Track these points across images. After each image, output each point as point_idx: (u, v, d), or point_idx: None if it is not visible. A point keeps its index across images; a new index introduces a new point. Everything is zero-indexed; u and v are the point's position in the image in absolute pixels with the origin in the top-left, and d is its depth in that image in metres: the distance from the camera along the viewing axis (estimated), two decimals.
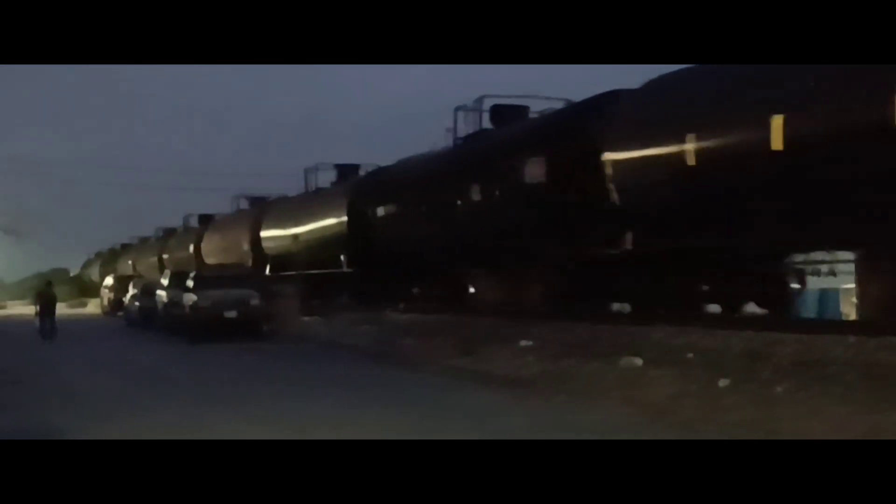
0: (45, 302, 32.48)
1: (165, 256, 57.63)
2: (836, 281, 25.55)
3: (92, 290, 64.18)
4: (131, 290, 41.63)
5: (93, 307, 58.20)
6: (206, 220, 53.62)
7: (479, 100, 26.52)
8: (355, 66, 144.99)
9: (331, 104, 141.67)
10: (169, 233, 61.67)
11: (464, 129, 26.61)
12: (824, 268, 19.19)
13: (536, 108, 25.61)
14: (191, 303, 28.67)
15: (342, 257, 32.51)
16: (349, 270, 32.33)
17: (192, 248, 51.40)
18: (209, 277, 30.47)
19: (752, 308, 18.99)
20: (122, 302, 44.98)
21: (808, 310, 27.29)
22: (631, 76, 21.02)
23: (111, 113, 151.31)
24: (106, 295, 53.68)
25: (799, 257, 18.32)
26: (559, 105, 24.48)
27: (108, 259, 75.16)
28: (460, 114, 26.55)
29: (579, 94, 23.09)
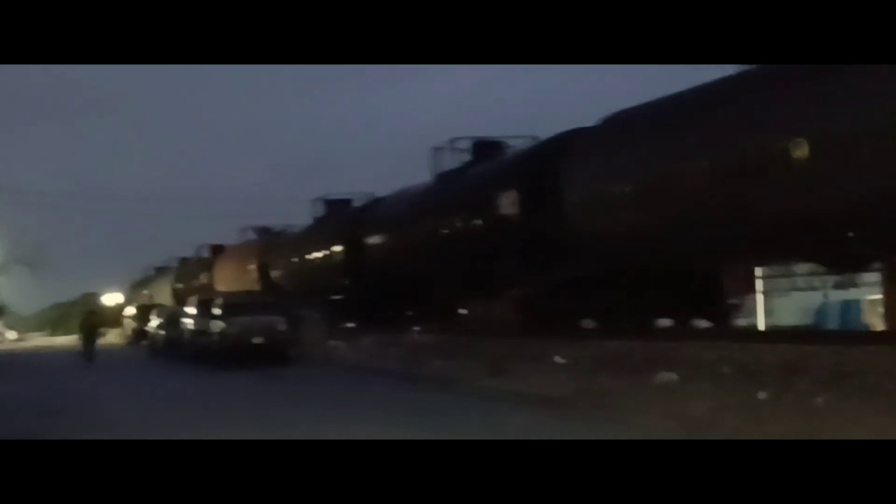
0: (88, 330, 36.62)
1: (179, 286, 57.96)
2: (858, 292, 25.66)
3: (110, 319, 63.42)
4: (154, 320, 41.79)
5: (112, 337, 58.20)
6: (217, 249, 54.16)
7: (452, 140, 28.90)
8: (363, 98, 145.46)
9: (338, 138, 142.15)
10: (183, 262, 61.78)
11: (443, 166, 28.97)
12: (845, 279, 19.19)
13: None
14: (218, 330, 28.84)
15: (344, 283, 34.23)
16: (344, 296, 34.20)
17: (204, 277, 52.31)
18: (236, 304, 30.70)
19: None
20: (145, 331, 45.16)
21: (831, 320, 27.40)
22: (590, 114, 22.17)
23: (124, 145, 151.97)
24: (129, 325, 53.84)
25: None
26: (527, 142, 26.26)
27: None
28: (439, 152, 29.03)
29: (545, 131, 24.91)
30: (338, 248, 35.41)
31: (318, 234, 38.63)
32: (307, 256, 38.94)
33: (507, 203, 23.38)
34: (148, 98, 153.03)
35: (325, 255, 36.86)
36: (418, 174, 33.89)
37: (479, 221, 25.11)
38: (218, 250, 54.07)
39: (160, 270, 69.06)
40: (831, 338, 14.89)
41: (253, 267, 44.70)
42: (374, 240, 32.54)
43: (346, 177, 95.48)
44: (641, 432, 11.80)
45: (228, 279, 48.06)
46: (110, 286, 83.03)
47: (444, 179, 28.57)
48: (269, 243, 45.33)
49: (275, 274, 42.48)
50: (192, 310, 33.92)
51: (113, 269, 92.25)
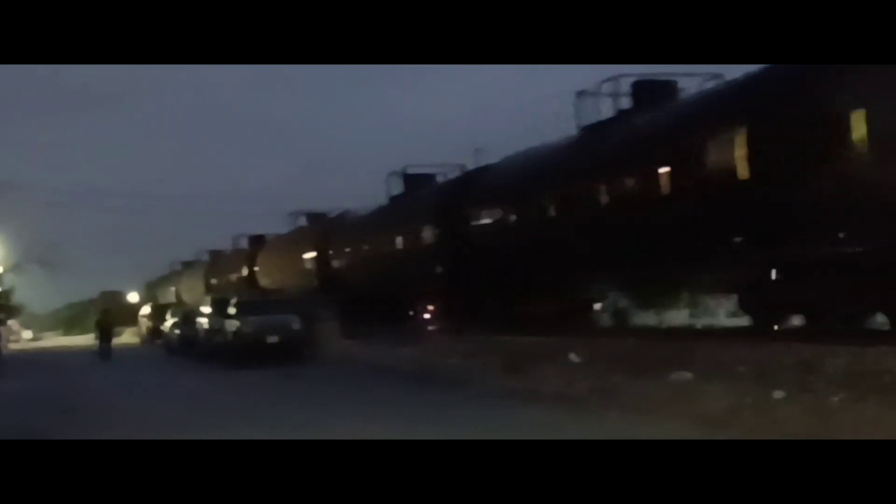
0: (104, 328, 38.28)
1: (213, 281, 53.97)
2: None
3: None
4: (170, 319, 41.92)
5: (127, 336, 58.36)
6: (257, 240, 49.79)
7: (612, 80, 22.42)
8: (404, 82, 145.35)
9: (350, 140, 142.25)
10: (216, 255, 57.56)
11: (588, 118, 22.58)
12: None
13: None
14: (233, 329, 28.94)
15: (436, 270, 28.53)
16: (438, 288, 28.98)
17: (245, 270, 47.95)
18: (251, 303, 30.84)
19: None
20: (160, 330, 45.28)
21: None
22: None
23: (139, 142, 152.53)
24: (144, 324, 54.02)
25: None
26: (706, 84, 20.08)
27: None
28: (584, 98, 22.61)
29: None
30: (429, 230, 29.37)
31: (399, 213, 32.55)
32: (385, 241, 32.38)
33: (724, 149, 16.78)
34: (166, 95, 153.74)
35: (410, 239, 30.49)
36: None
37: (664, 180, 18.33)
38: (258, 241, 49.40)
39: (188, 265, 64.91)
40: (847, 337, 14.75)
41: (308, 257, 39.27)
42: (482, 216, 26.06)
43: (361, 180, 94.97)
44: (654, 429, 11.80)
45: (275, 272, 43.72)
46: (125, 284, 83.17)
47: (598, 132, 22.00)
48: (330, 228, 39.21)
49: (337, 263, 37.08)
50: (206, 309, 34.07)
51: (127, 268, 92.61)
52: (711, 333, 18.33)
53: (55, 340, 78.38)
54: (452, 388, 18.36)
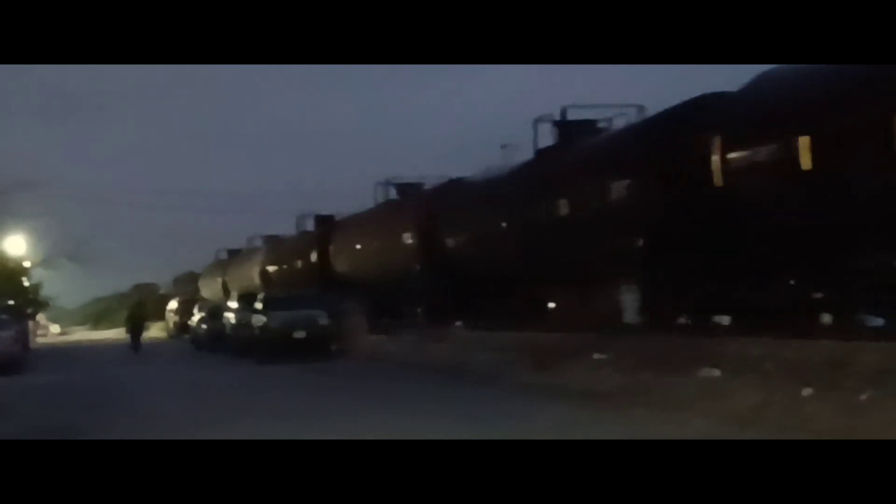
0: (136, 321, 40.24)
1: (271, 269, 46.98)
2: None
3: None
4: (197, 314, 42.16)
5: (155, 331, 58.71)
6: (326, 221, 42.54)
7: None
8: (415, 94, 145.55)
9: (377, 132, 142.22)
10: (274, 241, 50.11)
11: None
12: None
13: None
14: (260, 324, 29.08)
15: (635, 243, 20.11)
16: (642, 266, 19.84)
17: (314, 255, 40.98)
18: (278, 298, 30.96)
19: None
20: (187, 325, 45.54)
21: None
22: None
23: (168, 139, 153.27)
24: (171, 318, 54.35)
25: None
26: None
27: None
28: None
29: None
30: (621, 186, 20.29)
31: (562, 169, 23.29)
32: (536, 207, 23.68)
33: None
34: (197, 92, 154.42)
35: (585, 202, 21.69)
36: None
37: None
38: (327, 222, 42.12)
39: (235, 254, 57.94)
40: (877, 335, 14.64)
41: (407, 234, 31.57)
42: (742, 160, 16.41)
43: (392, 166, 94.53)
44: (683, 426, 11.80)
45: (358, 254, 36.56)
46: (155, 279, 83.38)
47: None
48: (437, 198, 30.81)
49: (454, 241, 28.99)
50: (233, 304, 34.29)
51: (157, 263, 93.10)
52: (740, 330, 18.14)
53: (83, 335, 79.01)
54: (480, 385, 18.33)
